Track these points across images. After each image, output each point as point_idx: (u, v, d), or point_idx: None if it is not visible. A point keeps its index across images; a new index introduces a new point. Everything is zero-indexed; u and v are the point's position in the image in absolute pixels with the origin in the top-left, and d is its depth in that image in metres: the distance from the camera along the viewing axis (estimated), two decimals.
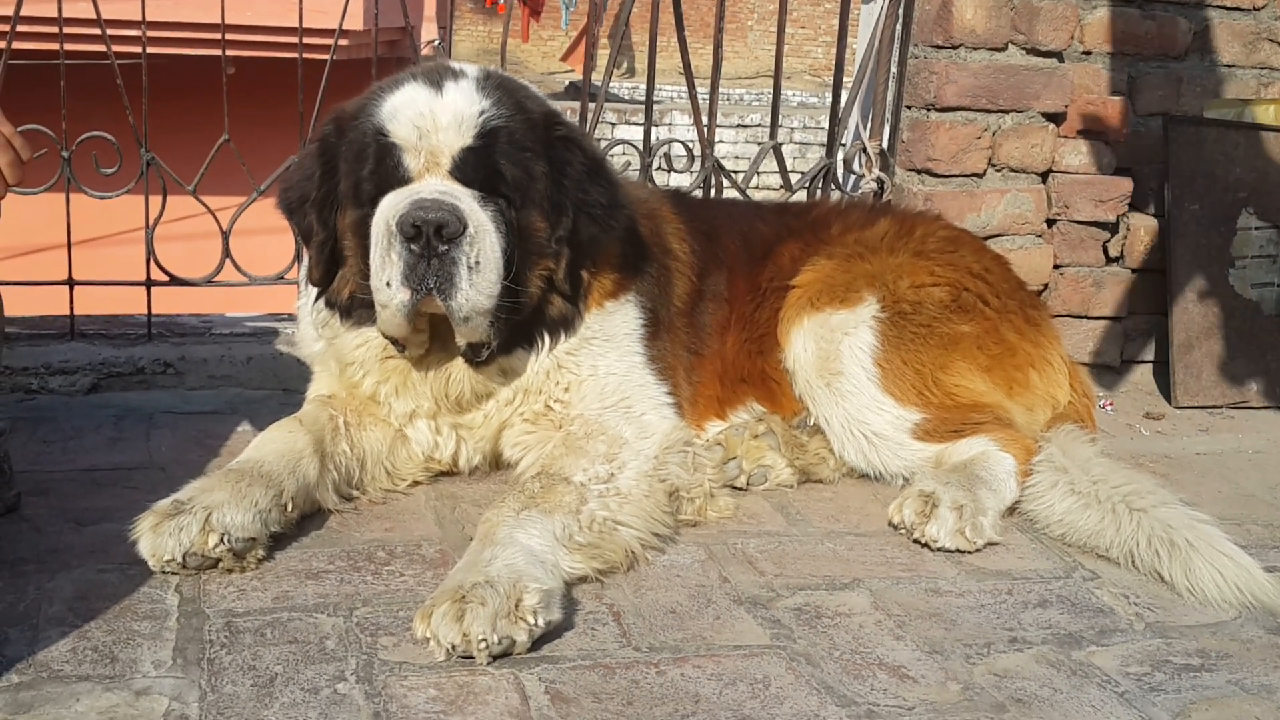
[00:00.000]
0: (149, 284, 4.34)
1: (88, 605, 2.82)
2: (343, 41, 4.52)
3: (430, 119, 3.20)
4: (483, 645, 2.63)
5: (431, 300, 3.15)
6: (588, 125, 4.62)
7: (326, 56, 4.51)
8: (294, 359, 4.30)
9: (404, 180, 3.22)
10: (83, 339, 4.30)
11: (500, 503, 3.10)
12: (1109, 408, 4.82)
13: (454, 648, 2.64)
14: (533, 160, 3.30)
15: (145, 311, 4.37)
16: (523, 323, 3.40)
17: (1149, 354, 5.22)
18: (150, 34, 4.30)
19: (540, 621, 2.71)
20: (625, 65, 24.88)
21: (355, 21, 4.66)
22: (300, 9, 4.50)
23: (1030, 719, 2.63)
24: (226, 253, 4.40)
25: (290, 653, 2.68)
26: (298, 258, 4.46)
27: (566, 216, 3.37)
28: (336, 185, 3.34)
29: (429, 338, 3.40)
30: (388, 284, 3.15)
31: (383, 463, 3.56)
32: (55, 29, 4.13)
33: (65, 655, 2.62)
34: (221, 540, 2.97)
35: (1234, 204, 5.07)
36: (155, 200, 4.33)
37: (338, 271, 3.41)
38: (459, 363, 3.42)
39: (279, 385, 4.27)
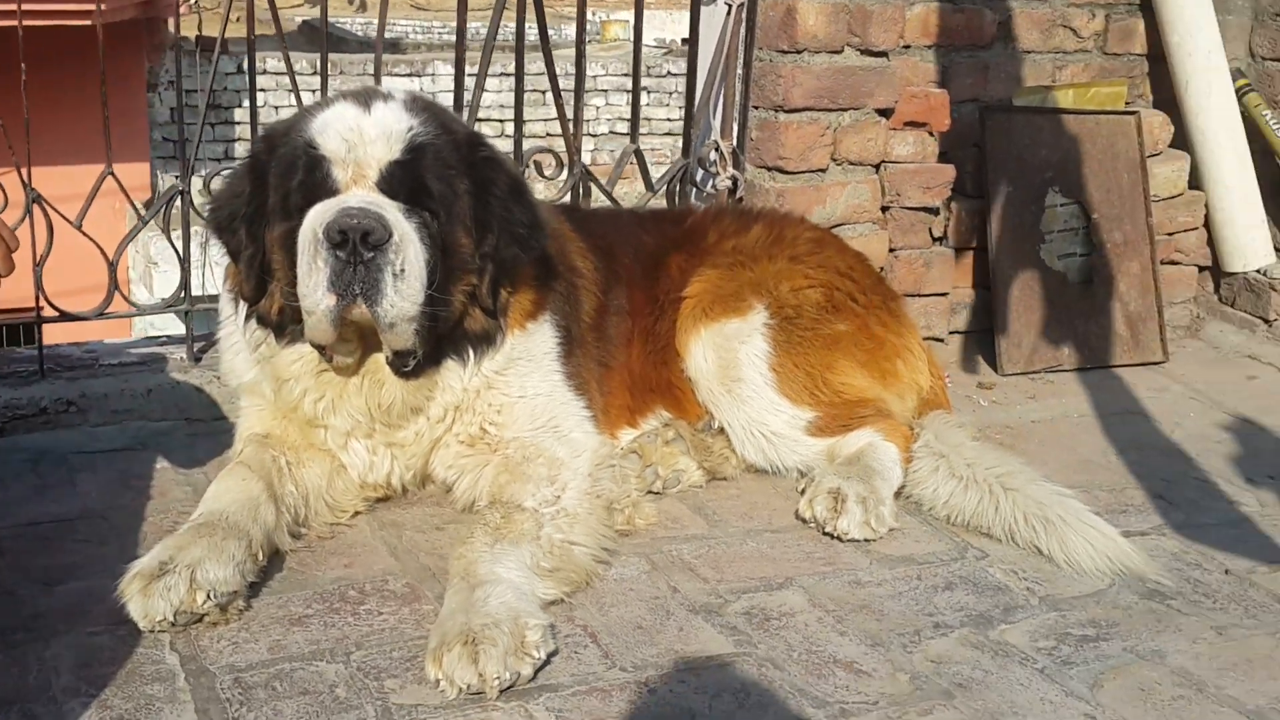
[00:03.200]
0: (39, 321, 4.29)
1: (94, 672, 2.89)
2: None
3: (358, 133, 3.32)
4: (496, 682, 2.85)
5: (356, 307, 3.25)
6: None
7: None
8: (193, 387, 4.36)
9: (332, 191, 3.31)
10: None
11: (469, 538, 3.28)
12: (947, 380, 5.27)
13: (468, 687, 2.85)
14: (456, 178, 3.43)
15: (34, 345, 4.33)
16: (446, 336, 3.52)
17: (975, 325, 5.70)
18: None
19: (543, 654, 2.95)
20: None
21: None
22: None
23: (976, 702, 3.01)
24: (114, 285, 4.38)
25: (307, 705, 2.83)
26: (182, 288, 4.47)
27: (491, 234, 3.49)
28: (266, 201, 3.42)
29: (358, 346, 3.48)
30: (313, 290, 3.24)
31: (323, 496, 3.67)
32: None
33: None
34: (208, 596, 3.07)
35: (1042, 184, 5.58)
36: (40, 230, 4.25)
37: (267, 287, 3.48)
38: (390, 372, 3.53)
39: (181, 415, 4.30)
